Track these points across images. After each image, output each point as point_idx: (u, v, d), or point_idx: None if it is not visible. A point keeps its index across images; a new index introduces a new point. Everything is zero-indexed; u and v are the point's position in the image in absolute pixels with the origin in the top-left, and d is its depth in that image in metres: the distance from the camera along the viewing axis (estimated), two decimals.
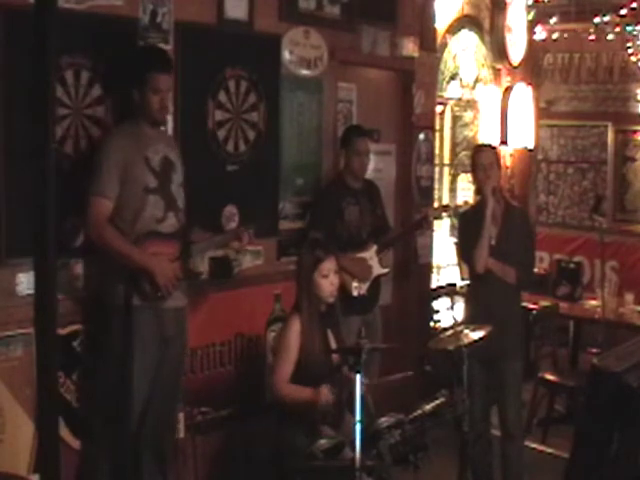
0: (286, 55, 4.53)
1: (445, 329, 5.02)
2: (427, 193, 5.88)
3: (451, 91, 6.52)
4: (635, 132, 7.36)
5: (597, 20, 6.84)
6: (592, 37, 7.06)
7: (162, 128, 3.69)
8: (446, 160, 6.70)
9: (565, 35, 7.26)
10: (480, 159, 4.18)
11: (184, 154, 3.71)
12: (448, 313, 6.11)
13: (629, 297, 6.23)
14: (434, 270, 6.16)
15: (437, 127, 6.16)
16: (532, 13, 7.15)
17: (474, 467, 3.78)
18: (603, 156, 7.56)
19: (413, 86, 5.62)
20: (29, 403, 3.26)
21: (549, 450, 5.14)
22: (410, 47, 5.44)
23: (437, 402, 3.33)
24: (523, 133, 7.14)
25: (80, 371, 3.54)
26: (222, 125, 4.19)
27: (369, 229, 4.64)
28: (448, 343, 3.55)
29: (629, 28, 6.88)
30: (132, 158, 3.37)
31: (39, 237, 1.55)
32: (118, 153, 3.34)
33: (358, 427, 2.85)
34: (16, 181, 3.17)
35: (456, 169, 6.78)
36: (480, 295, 4.22)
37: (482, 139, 6.61)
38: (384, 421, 3.17)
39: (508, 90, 6.94)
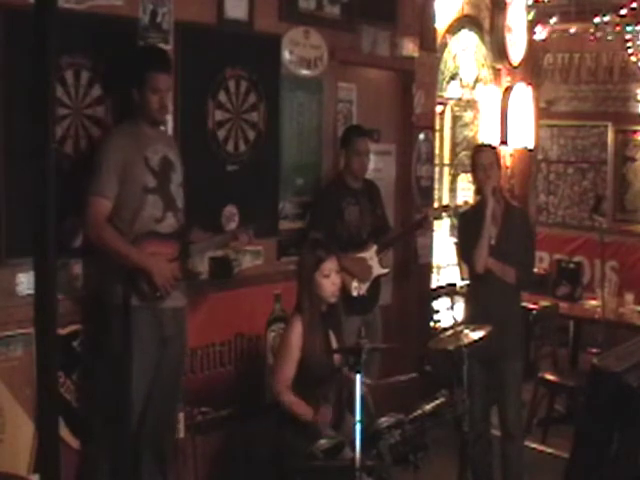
0: (286, 55, 4.53)
1: (445, 329, 5.02)
2: (427, 193, 5.88)
3: (451, 91, 6.52)
4: (635, 132, 7.36)
5: (597, 20, 6.84)
6: (592, 37, 7.06)
7: (162, 128, 3.69)
8: (446, 160, 6.70)
9: (565, 35, 7.26)
10: (480, 159, 4.18)
11: (184, 154, 3.71)
12: (448, 313, 6.11)
13: (629, 297, 6.24)
14: (434, 270, 6.16)
15: (437, 127, 6.16)
16: (532, 13, 7.15)
17: (474, 467, 3.78)
18: (603, 156, 7.56)
19: (413, 86, 5.62)
20: (29, 403, 3.25)
21: (549, 450, 5.14)
22: (410, 47, 5.44)
23: (437, 402, 3.33)
24: (523, 133, 7.14)
25: (80, 371, 3.54)
26: (222, 125, 4.18)
27: (369, 229, 4.64)
28: (448, 343, 3.55)
29: (629, 28, 6.88)
30: (131, 158, 3.36)
31: (39, 237, 1.55)
32: (117, 153, 3.34)
33: (358, 427, 2.85)
34: (16, 181, 3.17)
35: (456, 169, 6.78)
36: (480, 295, 4.22)
37: (482, 139, 6.61)
38: (384, 421, 3.17)
39: (508, 90, 6.94)
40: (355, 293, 4.48)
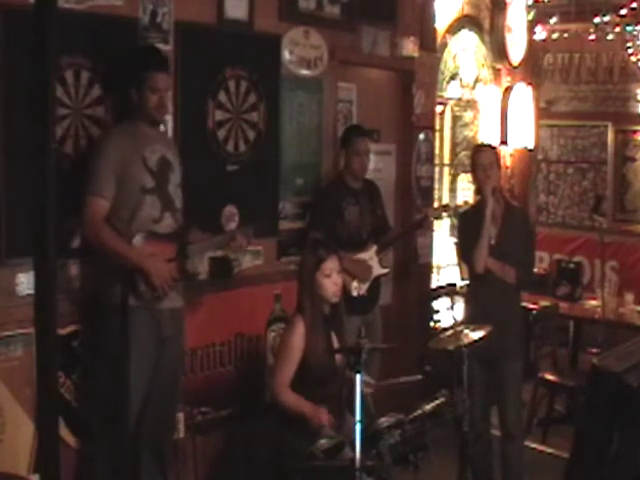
0: (286, 55, 4.53)
1: (445, 329, 5.01)
2: (427, 193, 5.88)
3: (451, 91, 6.52)
4: (635, 132, 7.36)
5: (597, 20, 6.84)
6: (592, 37, 7.06)
7: (162, 128, 3.68)
8: (446, 160, 6.70)
9: (565, 35, 7.26)
10: (480, 159, 4.18)
11: (184, 154, 3.71)
12: (448, 313, 6.11)
13: (629, 297, 6.23)
14: (434, 270, 6.16)
15: (437, 127, 6.16)
16: (532, 13, 7.15)
17: (474, 467, 3.78)
18: (603, 156, 7.55)
19: (413, 86, 5.62)
20: (29, 403, 3.25)
21: (549, 450, 5.14)
22: (410, 47, 5.44)
23: (437, 402, 3.32)
24: (523, 133, 7.14)
25: (80, 371, 3.54)
26: (222, 125, 4.18)
27: (369, 229, 4.64)
28: (448, 343, 3.55)
29: (629, 28, 6.88)
30: (129, 157, 3.36)
31: (39, 237, 1.55)
32: (115, 152, 3.33)
33: (358, 427, 2.85)
34: (16, 181, 3.17)
35: (456, 169, 6.78)
36: (480, 295, 4.22)
37: (482, 139, 6.61)
38: (384, 421, 3.16)
39: (508, 90, 6.94)
40: (355, 293, 4.47)
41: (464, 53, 6.55)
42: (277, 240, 4.53)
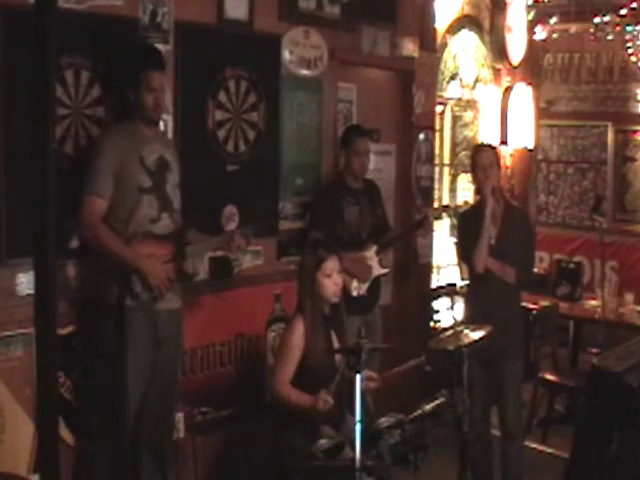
0: (286, 55, 4.53)
1: (445, 329, 5.01)
2: (427, 193, 5.88)
3: (451, 91, 6.52)
4: (635, 132, 7.36)
5: (597, 20, 6.83)
6: (592, 37, 7.06)
7: (161, 128, 3.68)
8: (446, 160, 6.70)
9: (565, 35, 7.25)
10: (480, 159, 4.18)
11: (184, 154, 3.71)
12: (448, 313, 6.11)
13: (629, 297, 6.23)
14: (434, 270, 6.16)
15: (437, 127, 6.16)
16: (532, 13, 7.15)
17: (474, 467, 3.78)
18: (603, 156, 7.55)
19: (413, 86, 5.62)
20: (29, 403, 3.25)
21: (549, 450, 5.14)
22: (410, 47, 5.44)
23: (437, 402, 3.32)
24: (523, 133, 7.14)
25: (79, 371, 3.54)
26: (222, 125, 4.18)
27: (369, 229, 4.63)
28: (448, 343, 3.55)
29: (629, 28, 6.88)
30: (127, 157, 3.36)
31: (39, 237, 1.55)
32: (113, 152, 3.33)
33: (358, 427, 2.84)
34: (16, 181, 3.17)
35: (456, 169, 6.78)
36: (480, 295, 4.22)
37: (482, 139, 6.61)
38: (384, 421, 3.16)
39: (508, 90, 6.94)
40: (355, 293, 4.47)
41: (464, 53, 6.55)
42: (277, 240, 4.54)
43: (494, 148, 4.44)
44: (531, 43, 7.25)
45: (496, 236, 4.13)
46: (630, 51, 7.10)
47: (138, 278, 3.29)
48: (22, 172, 2.79)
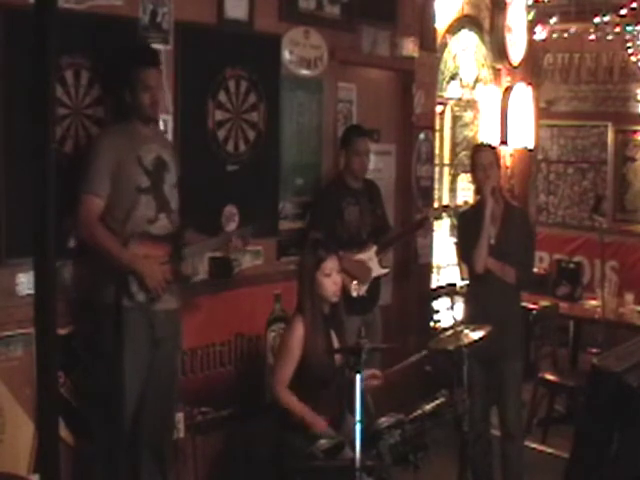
0: (286, 55, 4.53)
1: (445, 329, 5.01)
2: (427, 193, 5.88)
3: (451, 91, 6.52)
4: (635, 132, 7.36)
5: (597, 20, 6.83)
6: (592, 37, 7.06)
7: (160, 128, 3.68)
8: (446, 160, 6.70)
9: (565, 35, 7.25)
10: (480, 159, 4.18)
11: (184, 154, 3.71)
12: (448, 313, 6.11)
13: (629, 297, 6.23)
14: (434, 270, 6.16)
15: (437, 127, 6.16)
16: (532, 13, 7.15)
17: (474, 467, 3.78)
18: (603, 156, 7.55)
19: (413, 86, 5.62)
20: (29, 403, 3.25)
21: (549, 450, 5.14)
22: (410, 47, 5.44)
23: (437, 402, 3.32)
24: (523, 133, 7.14)
25: (79, 371, 3.54)
26: (222, 125, 4.18)
27: (369, 229, 4.63)
28: (448, 343, 3.55)
29: (629, 28, 6.88)
30: (125, 156, 3.35)
31: (39, 237, 1.55)
32: (111, 151, 3.33)
33: (358, 427, 2.85)
34: (16, 181, 3.17)
35: (456, 169, 6.78)
36: (480, 295, 4.22)
37: (482, 139, 6.61)
38: (384, 421, 3.16)
39: (508, 90, 6.94)
40: (354, 293, 4.46)
41: (464, 53, 6.55)
42: (277, 240, 4.54)
43: (494, 148, 4.44)
44: (531, 43, 7.25)
45: (496, 236, 4.13)
46: (630, 51, 7.10)
47: (135, 279, 3.29)
48: (22, 172, 2.80)
